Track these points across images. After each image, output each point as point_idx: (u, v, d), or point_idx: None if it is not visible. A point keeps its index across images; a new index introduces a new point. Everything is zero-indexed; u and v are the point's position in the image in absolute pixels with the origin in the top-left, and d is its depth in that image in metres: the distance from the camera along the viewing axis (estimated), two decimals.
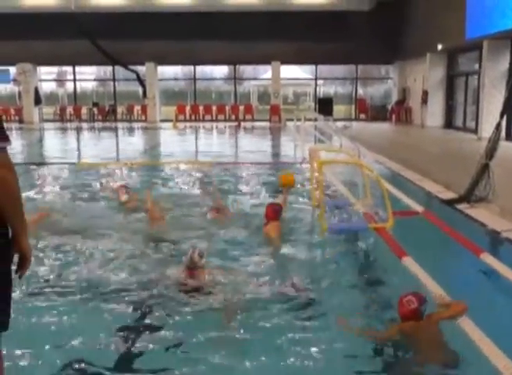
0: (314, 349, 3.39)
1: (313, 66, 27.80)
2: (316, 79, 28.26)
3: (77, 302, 4.12)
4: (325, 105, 25.64)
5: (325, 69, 29.11)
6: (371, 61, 26.27)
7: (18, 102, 27.62)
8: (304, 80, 30.19)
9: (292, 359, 3.27)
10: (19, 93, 27.21)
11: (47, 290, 4.36)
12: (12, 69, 26.23)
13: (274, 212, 5.84)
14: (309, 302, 4.12)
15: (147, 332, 3.65)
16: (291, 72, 28.38)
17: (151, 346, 3.45)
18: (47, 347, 3.37)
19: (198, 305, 4.00)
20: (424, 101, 21.03)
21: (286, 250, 5.42)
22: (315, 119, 16.40)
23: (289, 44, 24.97)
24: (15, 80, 27.01)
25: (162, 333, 3.63)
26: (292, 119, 17.82)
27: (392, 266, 4.66)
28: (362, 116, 27.43)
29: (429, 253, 4.96)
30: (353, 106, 28.23)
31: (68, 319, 3.79)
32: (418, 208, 6.45)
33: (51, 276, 4.67)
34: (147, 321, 3.83)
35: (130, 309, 4.00)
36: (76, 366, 3.18)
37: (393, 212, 5.51)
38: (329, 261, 5.15)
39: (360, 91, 29.21)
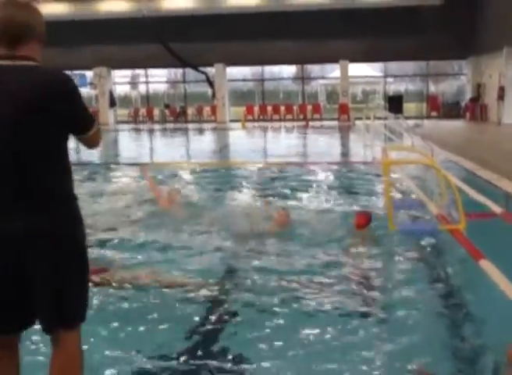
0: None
1: (382, 64, 27.35)
2: (385, 76, 27.75)
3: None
4: (394, 103, 25.17)
5: (394, 66, 28.56)
6: (443, 57, 25.50)
7: (94, 105, 28.86)
8: (373, 78, 29.75)
9: None
10: (96, 96, 28.42)
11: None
12: (89, 74, 27.42)
13: (366, 220, 5.55)
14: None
15: None
16: (360, 70, 28.03)
17: None
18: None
19: None
20: (501, 97, 20.19)
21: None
22: (385, 118, 16.13)
23: (357, 42, 24.69)
24: (91, 84, 28.24)
25: None
26: (361, 118, 17.69)
27: (469, 271, 4.52)
28: (434, 113, 26.68)
29: (509, 257, 4.78)
30: (424, 104, 27.51)
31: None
32: (496, 209, 6.21)
33: None
34: None
35: None
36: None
37: (469, 214, 5.34)
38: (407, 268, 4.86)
39: (432, 88, 28.42)
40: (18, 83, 2.14)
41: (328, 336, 3.46)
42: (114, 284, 4.35)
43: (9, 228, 2.15)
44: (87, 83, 28.17)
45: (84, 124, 2.33)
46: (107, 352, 3.25)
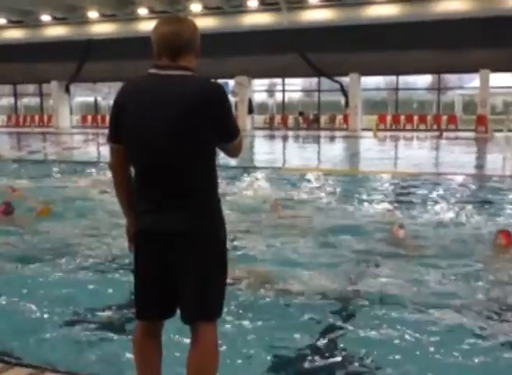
0: None
1: None
2: None
3: None
4: None
5: None
6: None
7: (235, 112, 30.59)
8: None
9: None
10: (236, 103, 30.18)
11: None
12: (231, 82, 29.20)
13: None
14: None
15: None
16: (501, 80, 26.82)
17: None
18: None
19: None
20: None
21: None
22: None
23: (501, 50, 23.71)
24: (233, 92, 30.05)
25: None
26: (501, 130, 16.77)
27: None
28: None
29: None
30: None
31: None
32: None
33: None
34: None
35: None
36: None
37: None
38: None
39: None
40: (177, 91, 2.27)
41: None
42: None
43: (158, 227, 2.33)
44: (230, 91, 30.01)
45: (231, 132, 2.40)
46: (240, 347, 3.51)
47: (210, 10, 26.14)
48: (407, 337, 3.70)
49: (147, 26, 24.79)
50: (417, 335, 3.71)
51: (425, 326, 3.83)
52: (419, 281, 4.78)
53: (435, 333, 3.72)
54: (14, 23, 29.74)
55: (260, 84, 32.17)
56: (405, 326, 3.84)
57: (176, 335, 3.29)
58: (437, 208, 8.20)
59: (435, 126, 26.56)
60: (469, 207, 8.18)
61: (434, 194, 9.54)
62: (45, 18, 28.53)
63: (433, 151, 19.31)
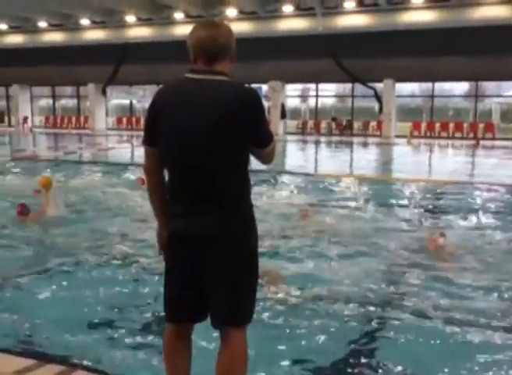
0: None
1: None
2: None
3: None
4: None
5: None
6: None
7: (268, 116, 30.66)
8: None
9: None
10: (269, 108, 30.24)
11: None
12: (264, 87, 29.27)
13: None
14: None
15: None
16: None
17: None
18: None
19: None
20: None
21: None
22: None
23: None
24: (266, 97, 30.11)
25: None
26: None
27: None
28: None
29: None
30: None
31: None
32: None
33: None
34: None
35: None
36: None
37: None
38: None
39: None
40: (213, 96, 2.29)
41: None
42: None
43: (191, 230, 2.34)
44: (263, 95, 30.09)
45: (265, 138, 2.40)
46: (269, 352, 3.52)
47: (245, 15, 26.27)
48: (438, 350, 3.63)
49: (182, 30, 25.12)
50: (452, 349, 3.64)
51: (460, 341, 3.76)
52: (457, 294, 4.67)
53: (472, 349, 3.63)
54: (54, 27, 30.44)
55: (293, 89, 32.16)
56: (438, 339, 3.77)
57: (205, 338, 3.30)
58: (473, 218, 8.04)
59: (471, 135, 26.08)
60: (509, 218, 8.01)
61: (471, 204, 9.36)
62: (84, 22, 29.12)
63: (469, 160, 18.97)
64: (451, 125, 27.23)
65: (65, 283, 4.95)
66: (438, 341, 3.75)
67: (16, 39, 31.94)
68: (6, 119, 37.02)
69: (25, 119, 33.84)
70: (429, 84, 27.84)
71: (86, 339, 3.72)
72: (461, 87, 30.23)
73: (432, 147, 23.21)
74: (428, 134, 27.17)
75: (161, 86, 2.51)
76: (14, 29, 31.36)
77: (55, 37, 30.96)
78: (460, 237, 6.67)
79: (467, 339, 3.80)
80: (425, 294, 4.68)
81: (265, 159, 2.52)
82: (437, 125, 27.40)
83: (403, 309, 4.35)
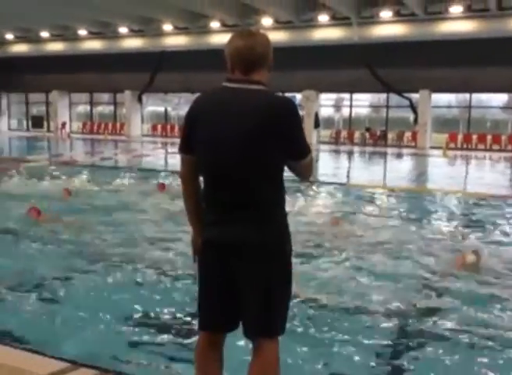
0: None
1: None
2: None
3: None
4: None
5: None
6: None
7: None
8: None
9: None
10: (302, 117, 30.21)
11: None
12: (298, 96, 29.26)
13: None
14: None
15: None
16: None
17: None
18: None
19: None
20: None
21: None
22: None
23: None
24: (299, 106, 30.09)
25: None
26: None
27: None
28: None
29: None
30: None
31: None
32: None
33: None
34: None
35: None
36: None
37: None
38: None
39: None
40: (250, 105, 2.28)
41: None
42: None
43: (225, 237, 2.34)
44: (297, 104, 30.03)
45: (301, 149, 2.39)
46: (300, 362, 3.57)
47: (280, 24, 26.32)
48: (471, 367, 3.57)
49: (218, 39, 25.34)
50: (486, 366, 3.56)
51: (494, 359, 3.68)
52: (491, 311, 4.57)
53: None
54: (93, 35, 31.10)
55: (326, 98, 32.04)
56: (472, 355, 3.70)
57: (236, 348, 3.28)
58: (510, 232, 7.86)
59: (509, 147, 25.50)
60: None
61: (509, 219, 9.11)
62: (123, 30, 29.67)
63: (507, 173, 18.53)
64: (489, 137, 26.68)
65: (97, 286, 5.02)
66: (472, 357, 3.70)
67: (56, 47, 32.76)
68: (45, 124, 37.94)
69: (63, 124, 34.65)
70: (466, 95, 27.37)
71: (119, 345, 3.75)
72: (499, 98, 29.55)
73: (469, 159, 22.78)
74: (465, 146, 26.67)
75: (198, 94, 2.50)
76: (55, 37, 32.17)
77: (94, 45, 31.63)
78: (498, 252, 6.52)
79: (504, 357, 3.71)
80: (457, 308, 4.60)
81: (302, 173, 2.50)
82: (474, 137, 26.88)
83: (436, 323, 4.29)
